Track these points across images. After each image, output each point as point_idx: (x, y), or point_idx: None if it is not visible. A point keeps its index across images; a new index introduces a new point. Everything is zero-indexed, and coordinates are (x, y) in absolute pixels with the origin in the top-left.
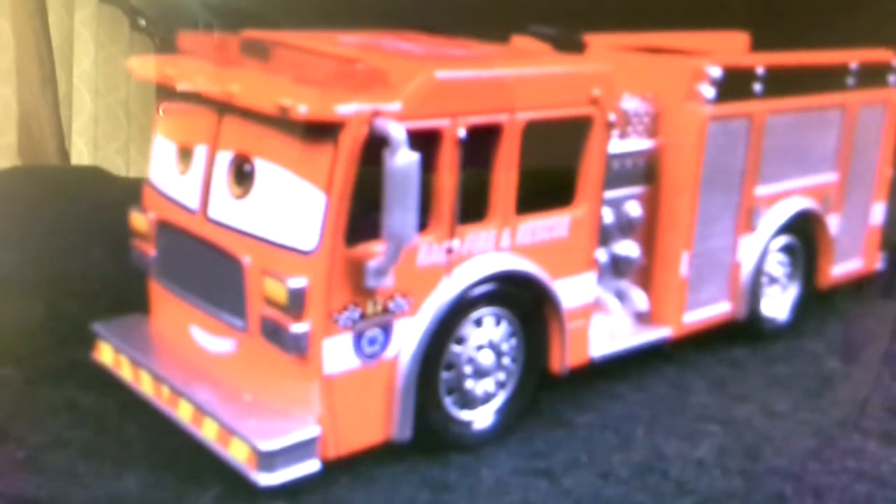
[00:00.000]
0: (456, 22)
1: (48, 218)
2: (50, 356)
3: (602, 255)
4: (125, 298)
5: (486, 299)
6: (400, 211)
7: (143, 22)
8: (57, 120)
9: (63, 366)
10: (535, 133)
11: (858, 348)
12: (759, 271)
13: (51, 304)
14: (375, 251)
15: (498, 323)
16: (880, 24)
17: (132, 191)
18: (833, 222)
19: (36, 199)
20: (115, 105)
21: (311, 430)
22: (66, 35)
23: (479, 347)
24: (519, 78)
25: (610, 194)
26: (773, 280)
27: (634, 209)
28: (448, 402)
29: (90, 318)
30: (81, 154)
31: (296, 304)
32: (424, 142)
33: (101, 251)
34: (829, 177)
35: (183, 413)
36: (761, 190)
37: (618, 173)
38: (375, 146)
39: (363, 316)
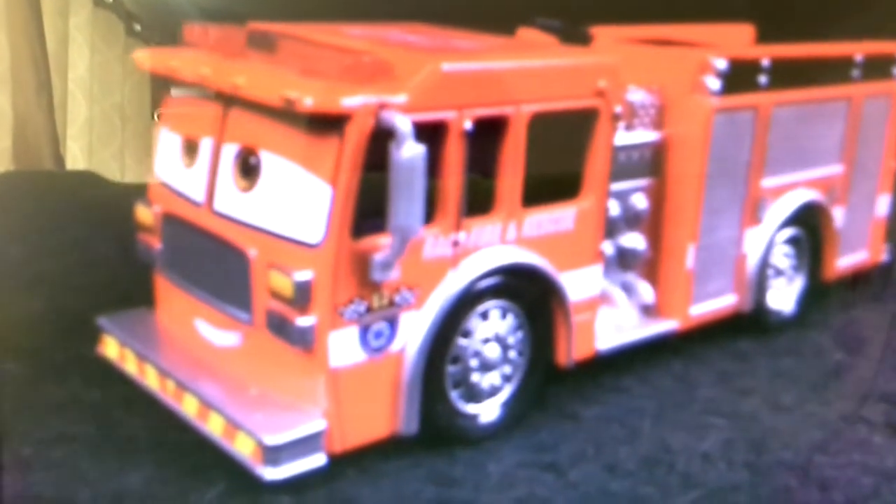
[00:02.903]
0: (462, 15)
1: (45, 217)
2: (54, 351)
3: (608, 247)
4: (130, 293)
5: (492, 292)
6: (406, 203)
7: (138, 27)
8: (52, 125)
9: (67, 361)
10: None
11: (864, 340)
12: (765, 263)
13: (53, 299)
14: (381, 244)
15: (504, 316)
16: (886, 18)
17: (126, 195)
18: (838, 214)
19: (32, 200)
20: (110, 110)
21: (317, 424)
22: (61, 40)
23: (486, 341)
24: (525, 70)
25: (616, 186)
26: (778, 272)
27: (640, 201)
28: (454, 395)
29: (94, 312)
30: (76, 159)
31: (302, 297)
32: (430, 134)
33: (104, 246)
34: (835, 169)
35: (188, 407)
36: (767, 182)
37: (624, 165)
38: (381, 138)
39: (369, 309)
